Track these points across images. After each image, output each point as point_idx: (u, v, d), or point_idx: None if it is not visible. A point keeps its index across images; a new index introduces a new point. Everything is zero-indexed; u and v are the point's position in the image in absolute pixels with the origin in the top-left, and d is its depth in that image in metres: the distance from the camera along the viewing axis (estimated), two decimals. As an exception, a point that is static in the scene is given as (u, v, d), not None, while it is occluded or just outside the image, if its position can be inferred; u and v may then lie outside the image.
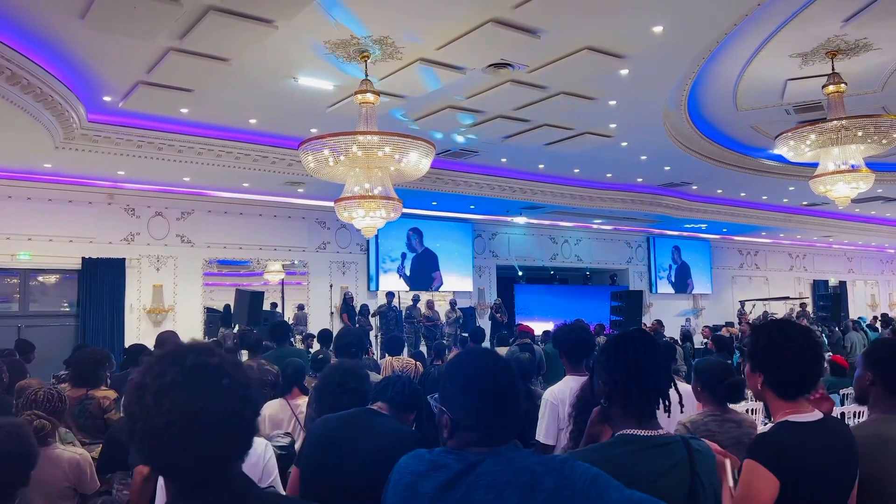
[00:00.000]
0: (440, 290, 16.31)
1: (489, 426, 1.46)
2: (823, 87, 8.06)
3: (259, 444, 2.83)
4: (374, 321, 14.27)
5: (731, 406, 3.29)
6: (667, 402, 1.73)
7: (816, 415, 2.02)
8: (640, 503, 1.35)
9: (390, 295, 14.62)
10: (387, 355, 7.21)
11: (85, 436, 4.09)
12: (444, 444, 1.51)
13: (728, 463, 2.01)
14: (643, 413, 1.69)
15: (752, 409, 5.67)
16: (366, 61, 7.38)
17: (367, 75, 7.34)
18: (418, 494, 1.44)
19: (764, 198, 17.01)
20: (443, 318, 14.88)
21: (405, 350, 8.68)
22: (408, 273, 15.99)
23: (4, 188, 11.25)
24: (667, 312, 18.37)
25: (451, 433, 1.49)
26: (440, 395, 1.55)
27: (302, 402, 4.16)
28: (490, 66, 7.81)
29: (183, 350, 1.21)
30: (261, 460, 2.66)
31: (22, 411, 3.15)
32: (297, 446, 3.36)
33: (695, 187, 15.46)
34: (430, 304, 14.91)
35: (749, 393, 9.00)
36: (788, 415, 2.00)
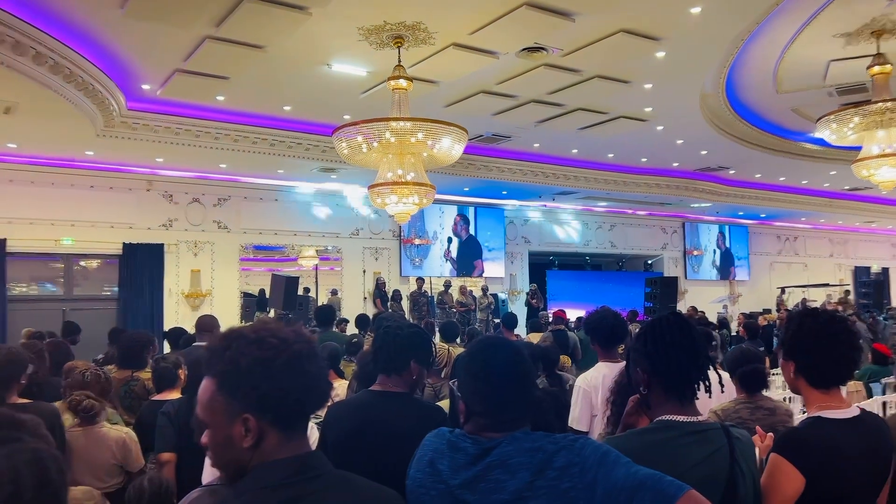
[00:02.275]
0: (482, 276, 16.41)
1: (499, 412, 1.50)
2: (868, 68, 7.84)
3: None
4: (405, 306, 14.38)
5: (766, 394, 3.26)
6: (707, 383, 1.72)
7: (852, 411, 1.96)
8: (645, 479, 1.35)
9: (421, 280, 14.71)
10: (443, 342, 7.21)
11: (130, 416, 4.21)
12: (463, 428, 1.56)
13: (756, 451, 2.00)
14: (683, 399, 1.69)
15: (790, 398, 5.57)
16: (399, 47, 7.39)
17: (400, 61, 7.35)
18: (437, 471, 1.50)
19: (804, 182, 16.62)
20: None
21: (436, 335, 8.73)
22: (454, 257, 16.10)
23: (48, 175, 11.56)
24: (702, 299, 18.12)
25: (466, 419, 1.55)
26: (457, 383, 1.60)
27: (338, 384, 4.23)
28: (523, 50, 7.75)
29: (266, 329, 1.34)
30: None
31: (70, 392, 3.26)
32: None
33: (732, 172, 15.17)
34: (463, 290, 14.95)
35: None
36: (822, 408, 1.95)
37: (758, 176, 15.78)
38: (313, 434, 2.81)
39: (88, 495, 1.94)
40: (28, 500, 1.09)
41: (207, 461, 2.81)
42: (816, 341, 1.96)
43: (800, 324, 2.01)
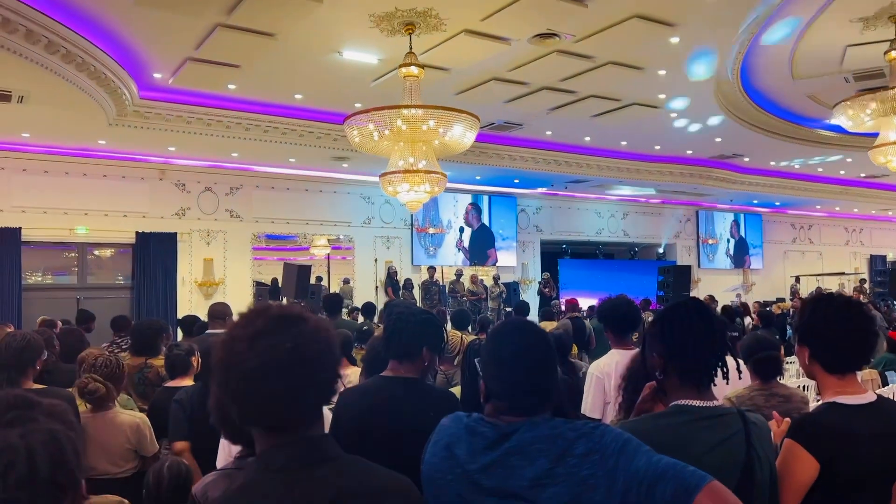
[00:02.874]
0: (495, 265, 16.41)
1: (518, 397, 1.49)
2: (886, 53, 7.71)
3: None
4: (417, 295, 14.39)
5: (782, 381, 3.23)
6: (725, 370, 1.70)
7: (868, 396, 1.94)
8: (666, 469, 1.32)
9: (433, 269, 14.72)
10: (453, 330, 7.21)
11: (144, 402, 4.25)
12: (483, 406, 1.55)
13: (771, 435, 1.98)
14: (700, 383, 1.67)
15: (805, 386, 5.53)
16: (410, 34, 7.35)
17: (411, 48, 7.31)
18: (454, 456, 1.48)
19: (819, 170, 16.44)
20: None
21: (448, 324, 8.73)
22: (467, 247, 16.10)
23: (62, 165, 11.64)
24: (716, 288, 18.01)
25: (485, 399, 1.54)
26: (480, 362, 1.58)
27: (350, 371, 4.24)
28: (536, 36, 7.69)
29: (265, 305, 1.31)
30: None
31: (82, 375, 3.28)
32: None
33: (747, 159, 15.03)
34: (474, 279, 14.95)
35: (802, 370, 8.80)
36: (838, 394, 1.93)
37: (772, 163, 15.63)
38: (326, 417, 2.81)
39: None
40: (43, 480, 1.09)
41: (221, 446, 2.83)
42: (831, 326, 1.93)
43: (814, 308, 1.98)
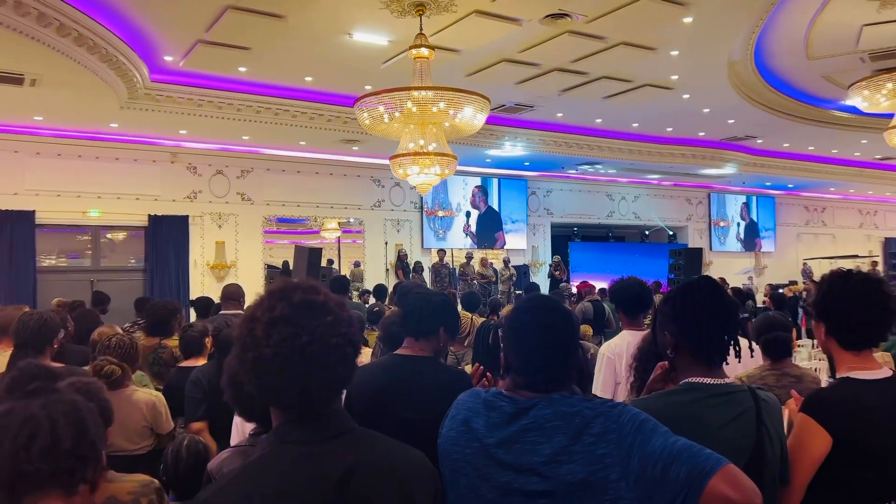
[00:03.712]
0: (504, 248, 16.40)
1: (536, 373, 1.49)
2: (903, 31, 7.60)
3: None
4: (427, 277, 14.42)
5: (794, 362, 3.23)
6: (737, 348, 1.70)
7: (883, 372, 1.93)
8: (682, 450, 1.33)
9: (442, 252, 14.73)
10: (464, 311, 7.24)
11: (159, 382, 4.30)
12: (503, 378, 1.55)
13: (786, 412, 1.98)
14: (712, 362, 1.67)
15: (817, 368, 5.53)
16: (420, 15, 7.30)
17: (421, 29, 7.27)
18: (472, 430, 1.49)
19: (834, 151, 16.26)
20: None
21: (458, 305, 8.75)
22: (474, 231, 16.08)
23: (74, 148, 11.69)
24: (727, 271, 17.93)
25: (504, 371, 1.54)
26: (502, 335, 1.59)
27: (362, 352, 4.27)
28: (547, 16, 7.62)
29: (291, 287, 1.28)
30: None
31: (97, 356, 3.33)
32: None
33: (760, 141, 14.89)
34: (484, 262, 14.95)
35: (814, 352, 8.77)
36: (852, 370, 1.92)
37: (786, 145, 15.47)
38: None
39: (146, 489, 1.97)
40: (66, 450, 1.11)
41: (235, 424, 2.87)
42: (848, 302, 1.92)
43: (831, 284, 1.97)
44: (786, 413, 1.98)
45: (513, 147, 13.42)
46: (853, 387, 1.89)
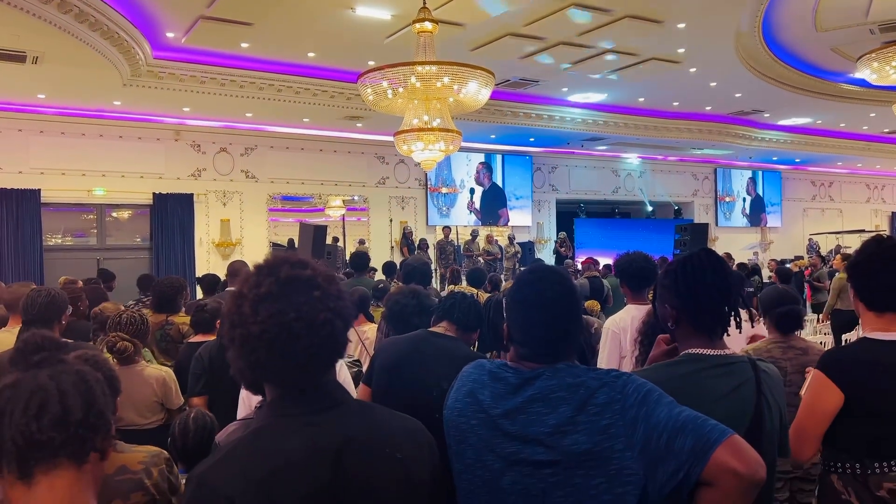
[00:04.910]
0: (507, 225, 16.39)
1: (538, 344, 1.49)
2: (915, 2, 7.48)
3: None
4: (432, 255, 14.42)
5: (800, 335, 3.22)
6: (738, 319, 1.70)
7: None
8: (686, 422, 1.32)
9: (447, 229, 14.71)
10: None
11: (166, 359, 4.33)
12: (506, 350, 1.56)
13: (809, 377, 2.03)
14: (713, 333, 1.66)
15: (823, 342, 5.54)
16: (424, -12, 7.21)
17: (425, 3, 7.19)
18: (478, 401, 1.49)
19: (842, 125, 16.12)
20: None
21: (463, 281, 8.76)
22: (478, 208, 16.05)
23: (78, 126, 11.68)
24: (733, 246, 17.89)
25: (507, 342, 1.55)
26: (505, 306, 1.59)
27: (368, 328, 4.29)
28: (552, -11, 7.53)
29: (279, 262, 1.26)
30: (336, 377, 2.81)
31: (108, 333, 3.35)
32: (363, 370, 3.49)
33: (767, 115, 14.75)
34: (489, 239, 14.94)
35: (819, 327, 8.76)
36: (874, 331, 2.01)
37: (794, 119, 15.33)
38: (342, 372, 2.89)
39: (156, 459, 1.99)
40: (77, 420, 1.11)
41: (242, 398, 2.90)
42: (874, 265, 2.02)
43: (864, 247, 2.08)
44: (809, 378, 2.05)
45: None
46: (870, 346, 1.98)
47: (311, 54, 9.85)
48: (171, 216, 12.47)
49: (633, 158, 18.08)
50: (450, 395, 1.58)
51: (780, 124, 15.84)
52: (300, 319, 1.20)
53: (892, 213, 23.28)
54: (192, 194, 12.72)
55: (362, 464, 1.22)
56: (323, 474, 1.17)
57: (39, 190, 11.37)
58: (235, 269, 5.38)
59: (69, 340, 3.17)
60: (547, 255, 15.91)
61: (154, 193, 12.36)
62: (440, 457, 1.40)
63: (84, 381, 1.15)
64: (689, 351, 1.66)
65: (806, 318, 7.10)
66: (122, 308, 3.92)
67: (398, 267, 8.23)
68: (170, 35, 8.86)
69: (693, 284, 1.66)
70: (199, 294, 6.82)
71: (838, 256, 12.26)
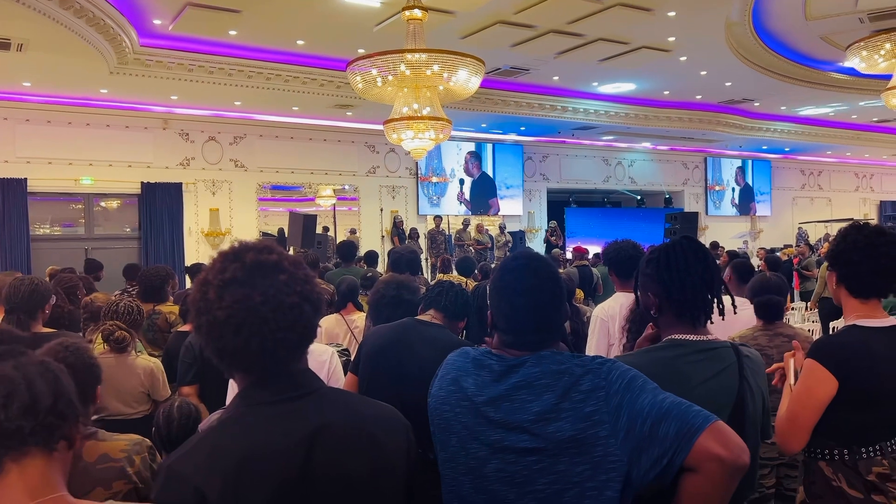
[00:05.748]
0: (498, 214, 16.38)
1: (521, 332, 1.48)
2: (904, -10, 7.49)
3: (326, 350, 2.96)
4: (423, 244, 14.41)
5: (789, 322, 3.24)
6: (721, 307, 1.69)
7: (889, 321, 2.02)
8: (671, 408, 1.32)
9: (438, 218, 14.70)
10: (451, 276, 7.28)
11: (153, 348, 4.32)
12: (490, 337, 1.55)
13: (792, 362, 2.03)
14: (696, 320, 1.66)
15: (812, 331, 5.57)
16: (413, -25, 7.16)
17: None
18: (462, 388, 1.49)
19: (831, 114, 16.17)
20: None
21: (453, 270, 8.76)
22: (468, 198, 16.03)
23: (64, 115, 11.55)
24: (723, 235, 17.97)
25: (491, 329, 1.54)
26: (489, 293, 1.58)
27: (357, 317, 4.28)
28: (542, -24, 7.49)
29: (243, 248, 1.25)
30: (326, 365, 2.82)
31: (104, 321, 3.33)
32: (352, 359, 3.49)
33: (757, 104, 14.78)
34: (480, 228, 14.94)
35: (807, 315, 8.81)
36: (859, 318, 2.02)
37: (783, 108, 15.37)
38: (334, 360, 2.88)
39: (139, 448, 1.98)
40: (45, 409, 1.10)
41: (230, 386, 2.89)
42: (858, 251, 2.02)
43: (845, 235, 2.08)
44: (790, 363, 2.04)
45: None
46: (859, 333, 1.99)
47: (300, 42, 9.77)
48: (160, 206, 12.38)
49: (638, 147, 18.09)
50: (434, 382, 1.57)
51: (772, 113, 15.88)
52: (267, 303, 1.18)
53: (881, 201, 23.43)
54: (180, 183, 12.63)
55: (335, 452, 1.21)
56: (294, 463, 1.16)
57: (26, 179, 11.25)
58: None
59: (50, 330, 3.15)
60: (538, 245, 15.93)
61: (142, 183, 12.27)
62: (417, 443, 1.39)
63: (49, 371, 1.14)
64: (672, 336, 1.66)
65: (794, 306, 7.14)
66: (114, 297, 3.90)
67: (388, 255, 8.23)
68: (157, 22, 8.76)
69: (675, 270, 1.66)
70: (189, 283, 6.78)
71: (826, 245, 12.33)
